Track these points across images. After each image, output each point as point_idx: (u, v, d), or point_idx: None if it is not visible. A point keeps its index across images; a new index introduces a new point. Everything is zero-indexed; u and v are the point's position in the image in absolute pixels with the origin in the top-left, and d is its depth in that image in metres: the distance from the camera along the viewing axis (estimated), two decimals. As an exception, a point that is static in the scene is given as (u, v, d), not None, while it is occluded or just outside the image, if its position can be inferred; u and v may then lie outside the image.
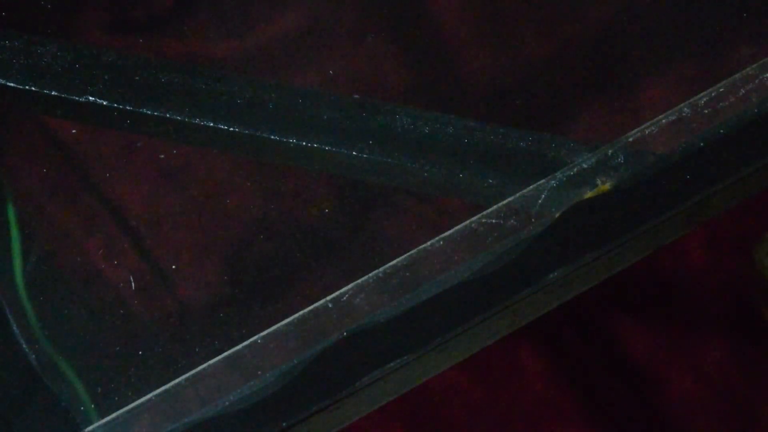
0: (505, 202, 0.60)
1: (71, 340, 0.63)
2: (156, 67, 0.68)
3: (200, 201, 0.68)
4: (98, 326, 0.63)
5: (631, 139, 0.62)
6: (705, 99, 0.63)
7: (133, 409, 0.56)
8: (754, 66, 0.64)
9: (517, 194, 0.61)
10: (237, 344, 0.57)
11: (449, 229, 0.60)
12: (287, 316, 0.57)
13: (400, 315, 0.58)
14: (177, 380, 0.56)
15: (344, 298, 0.58)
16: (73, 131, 0.70)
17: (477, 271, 0.59)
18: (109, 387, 0.61)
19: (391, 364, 0.57)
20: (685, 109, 0.63)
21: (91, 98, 0.67)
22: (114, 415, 0.56)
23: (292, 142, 0.66)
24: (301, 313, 0.57)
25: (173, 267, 0.66)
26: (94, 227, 0.68)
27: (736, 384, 1.03)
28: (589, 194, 0.61)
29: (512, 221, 0.60)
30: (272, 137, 0.66)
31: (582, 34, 0.74)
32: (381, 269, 0.59)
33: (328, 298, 0.58)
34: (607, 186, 0.61)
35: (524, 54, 0.74)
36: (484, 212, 0.60)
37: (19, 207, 0.67)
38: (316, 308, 0.58)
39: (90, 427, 0.56)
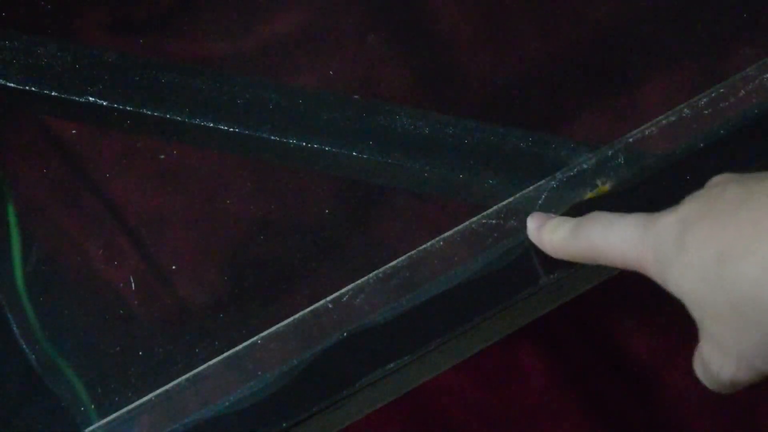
0: (505, 202, 0.60)
1: (71, 340, 0.63)
2: (156, 67, 0.68)
3: (200, 201, 0.68)
4: (98, 326, 0.63)
5: (631, 140, 0.62)
6: (705, 99, 0.63)
7: (133, 409, 0.56)
8: (754, 67, 0.64)
9: (518, 195, 0.61)
10: (237, 345, 0.57)
11: (449, 229, 0.60)
12: (287, 317, 0.57)
13: (400, 315, 0.58)
14: (177, 380, 0.56)
15: (344, 299, 0.58)
16: (73, 131, 0.70)
17: (477, 271, 0.59)
18: (109, 387, 0.61)
19: (391, 365, 0.57)
20: (685, 109, 0.63)
21: (91, 98, 0.67)
22: (114, 415, 0.56)
23: (292, 142, 0.66)
24: (301, 313, 0.57)
25: (173, 267, 0.66)
26: (94, 227, 0.68)
27: (736, 384, 1.03)
28: (589, 195, 0.61)
29: (512, 222, 0.60)
30: (272, 137, 0.66)
31: (582, 34, 0.74)
32: (381, 270, 0.59)
33: (328, 298, 0.58)
34: (607, 187, 0.61)
35: (524, 54, 0.74)
36: (484, 212, 0.60)
37: (19, 207, 0.67)
38: (316, 309, 0.58)
39: (90, 428, 0.56)
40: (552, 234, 0.56)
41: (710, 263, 0.44)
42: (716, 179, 0.49)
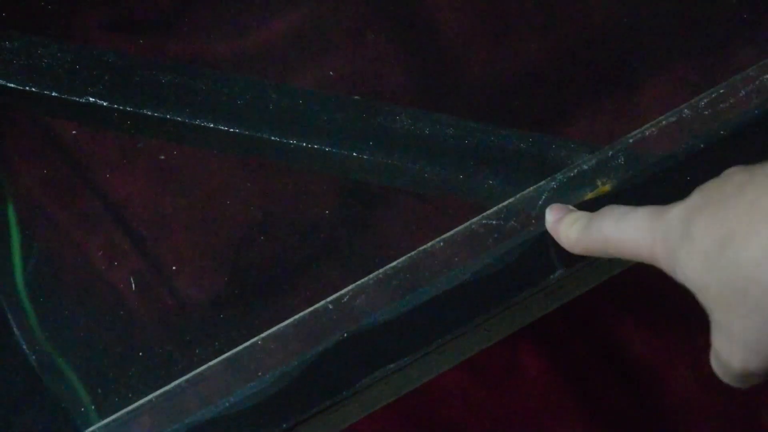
0: (505, 203, 0.60)
1: (71, 340, 0.63)
2: (156, 67, 0.68)
3: (200, 201, 0.68)
4: (98, 326, 0.64)
5: (631, 141, 0.62)
6: (705, 100, 0.63)
7: (133, 410, 0.56)
8: (754, 67, 0.64)
9: (518, 195, 0.61)
10: (237, 345, 0.57)
11: (449, 229, 0.60)
12: (287, 317, 0.57)
13: (400, 316, 0.58)
14: (177, 381, 0.56)
15: (344, 299, 0.58)
16: (74, 132, 0.70)
17: (477, 272, 0.59)
18: (109, 387, 0.61)
19: (392, 365, 0.57)
20: (686, 110, 0.62)
21: (91, 99, 0.67)
22: (114, 416, 0.56)
23: (292, 143, 0.66)
24: (301, 314, 0.57)
25: (173, 267, 0.66)
26: (94, 227, 0.68)
27: (736, 384, 1.03)
28: (589, 195, 0.61)
29: (513, 222, 0.60)
30: (272, 137, 0.66)
31: (583, 35, 0.74)
32: (381, 270, 0.59)
33: (329, 299, 0.58)
34: (608, 187, 0.61)
35: (524, 55, 0.74)
36: (485, 213, 0.60)
37: (19, 207, 0.67)
38: (317, 309, 0.58)
39: (90, 429, 0.56)
40: (568, 229, 0.56)
41: (713, 249, 0.44)
42: (729, 170, 0.49)
